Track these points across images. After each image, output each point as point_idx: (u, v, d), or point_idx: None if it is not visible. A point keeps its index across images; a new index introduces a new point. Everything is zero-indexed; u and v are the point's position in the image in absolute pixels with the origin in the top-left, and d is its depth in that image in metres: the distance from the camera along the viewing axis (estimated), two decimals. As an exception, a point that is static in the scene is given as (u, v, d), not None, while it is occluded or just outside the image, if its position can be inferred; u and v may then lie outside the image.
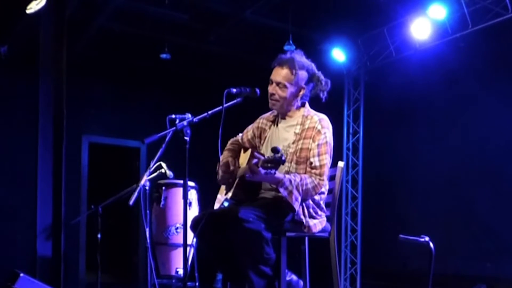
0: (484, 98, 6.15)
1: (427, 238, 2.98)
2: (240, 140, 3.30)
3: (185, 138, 2.72)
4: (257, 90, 2.98)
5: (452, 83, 6.46)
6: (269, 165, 2.54)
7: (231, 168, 3.05)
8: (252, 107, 3.17)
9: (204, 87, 7.84)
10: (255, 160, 2.60)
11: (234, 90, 2.89)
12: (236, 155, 3.21)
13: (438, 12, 5.96)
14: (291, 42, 6.33)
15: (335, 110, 7.42)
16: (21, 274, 3.85)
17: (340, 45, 7.17)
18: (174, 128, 2.70)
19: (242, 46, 7.24)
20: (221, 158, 3.10)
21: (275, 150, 2.52)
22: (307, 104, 3.09)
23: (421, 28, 6.20)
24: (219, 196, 3.20)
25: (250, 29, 7.04)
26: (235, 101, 2.90)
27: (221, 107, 2.82)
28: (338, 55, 7.20)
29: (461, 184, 6.40)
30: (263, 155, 2.81)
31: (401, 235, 3.01)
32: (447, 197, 6.53)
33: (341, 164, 3.22)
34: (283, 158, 2.51)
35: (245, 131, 3.30)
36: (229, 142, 3.29)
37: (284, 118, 3.09)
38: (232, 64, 7.80)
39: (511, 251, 5.83)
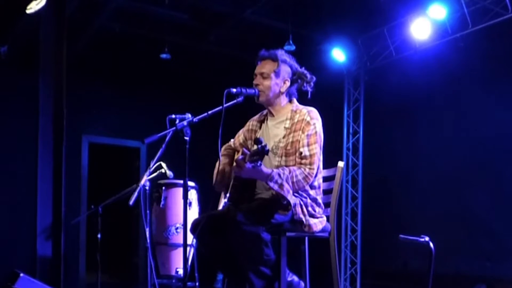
0: (484, 98, 6.15)
1: (427, 238, 2.99)
2: (232, 145, 3.31)
3: (185, 138, 2.72)
4: (257, 90, 2.99)
5: (452, 83, 6.46)
6: (254, 157, 2.54)
7: (227, 176, 3.06)
8: (252, 107, 3.18)
9: (204, 87, 7.84)
10: (241, 156, 2.61)
11: (234, 90, 2.88)
12: (231, 161, 3.22)
13: (438, 12, 5.96)
14: (291, 42, 6.33)
15: (335, 110, 7.44)
16: (21, 274, 3.84)
17: (340, 45, 7.17)
18: (174, 128, 2.70)
19: (242, 46, 7.23)
20: (217, 164, 3.10)
21: (257, 141, 2.51)
22: (295, 100, 3.09)
23: (421, 28, 6.20)
24: (223, 198, 3.20)
25: (250, 29, 7.04)
26: (235, 101, 2.90)
27: (221, 107, 2.81)
28: (338, 55, 7.19)
29: (461, 184, 6.40)
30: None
31: (401, 235, 3.02)
32: (447, 197, 6.53)
33: (341, 164, 3.21)
34: (266, 148, 2.49)
35: (236, 135, 3.31)
36: (223, 148, 3.29)
37: (273, 116, 3.08)
38: (232, 64, 7.79)
39: (511, 251, 5.83)
